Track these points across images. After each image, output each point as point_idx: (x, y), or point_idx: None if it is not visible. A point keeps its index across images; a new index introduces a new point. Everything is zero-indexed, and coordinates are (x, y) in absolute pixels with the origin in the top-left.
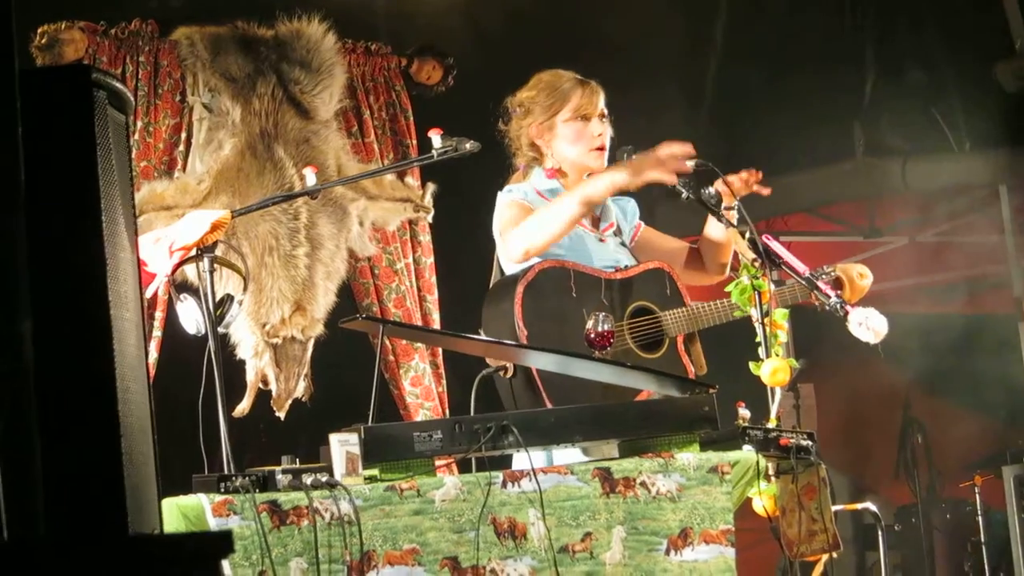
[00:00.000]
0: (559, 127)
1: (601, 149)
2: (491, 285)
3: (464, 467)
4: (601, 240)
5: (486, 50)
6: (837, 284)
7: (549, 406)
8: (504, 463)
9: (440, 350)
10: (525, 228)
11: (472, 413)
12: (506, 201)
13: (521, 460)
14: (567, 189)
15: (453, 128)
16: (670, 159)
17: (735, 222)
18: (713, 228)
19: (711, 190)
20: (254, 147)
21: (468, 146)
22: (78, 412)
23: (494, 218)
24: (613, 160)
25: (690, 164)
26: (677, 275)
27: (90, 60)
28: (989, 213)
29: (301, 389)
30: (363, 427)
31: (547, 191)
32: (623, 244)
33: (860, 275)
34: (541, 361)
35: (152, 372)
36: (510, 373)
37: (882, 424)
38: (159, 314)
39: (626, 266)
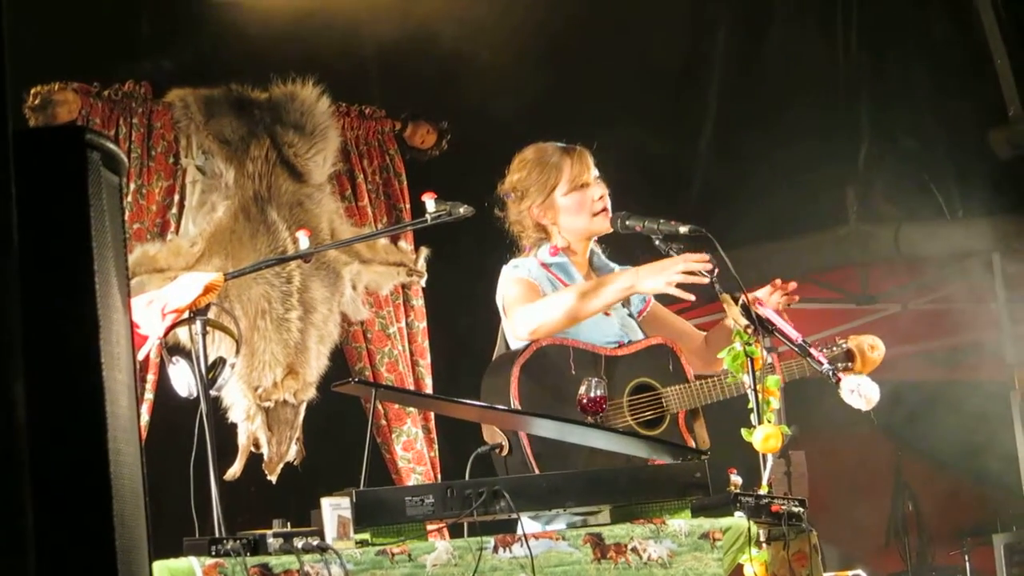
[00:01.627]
0: (559, 201)
1: (604, 211)
2: (494, 357)
3: (456, 532)
4: (606, 314)
5: (480, 115)
6: (848, 356)
7: None
8: (505, 526)
9: (432, 415)
10: (533, 312)
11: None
12: (512, 277)
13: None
14: (572, 262)
15: (447, 192)
16: (686, 273)
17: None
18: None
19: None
20: (247, 210)
21: (462, 211)
22: (70, 474)
23: (498, 291)
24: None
25: (683, 230)
26: (680, 351)
27: (83, 121)
28: (982, 280)
29: (293, 453)
30: (355, 491)
31: (553, 265)
32: (630, 315)
33: (871, 347)
34: (535, 427)
35: (144, 434)
36: (505, 451)
37: (873, 491)
38: (151, 376)
39: (630, 341)
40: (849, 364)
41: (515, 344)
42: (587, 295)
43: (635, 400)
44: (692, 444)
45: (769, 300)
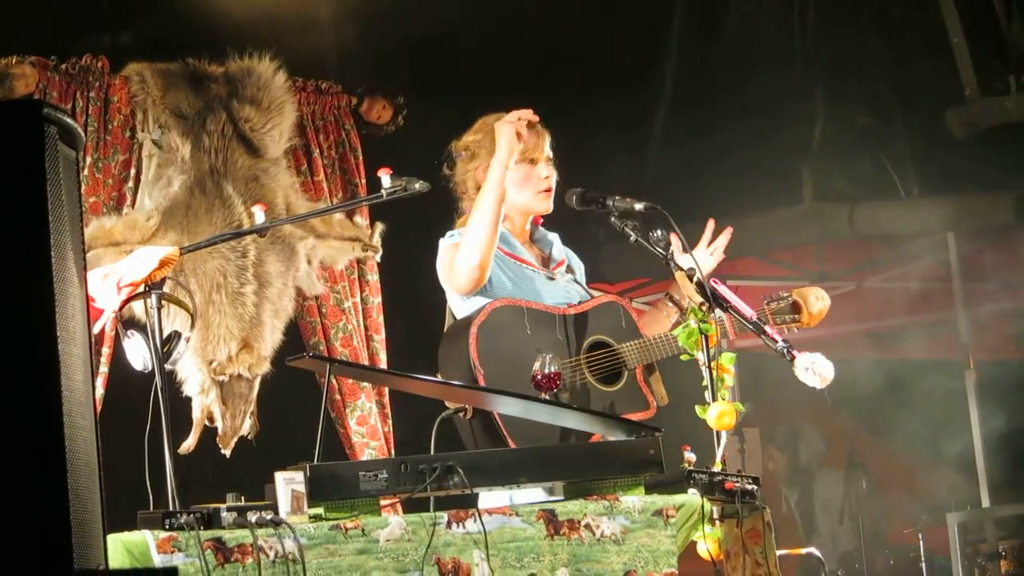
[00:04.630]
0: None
1: (548, 191)
2: (446, 328)
3: (410, 507)
4: (551, 278)
5: (436, 90)
6: (794, 308)
7: (511, 445)
8: (462, 501)
9: (386, 390)
10: (464, 248)
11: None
12: (447, 244)
13: (487, 499)
14: (510, 231)
15: (402, 168)
16: (511, 123)
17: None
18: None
19: (659, 233)
20: (203, 184)
21: (417, 186)
22: (25, 447)
23: (438, 264)
24: (561, 203)
25: (639, 207)
26: (631, 307)
27: (40, 95)
28: (937, 259)
29: (247, 427)
30: (308, 466)
31: None
32: (576, 281)
33: (817, 298)
34: (490, 402)
35: (99, 408)
36: (470, 414)
37: (827, 469)
38: (106, 350)
39: (579, 301)
40: (796, 316)
41: (462, 311)
42: (480, 199)
43: (592, 357)
44: (651, 399)
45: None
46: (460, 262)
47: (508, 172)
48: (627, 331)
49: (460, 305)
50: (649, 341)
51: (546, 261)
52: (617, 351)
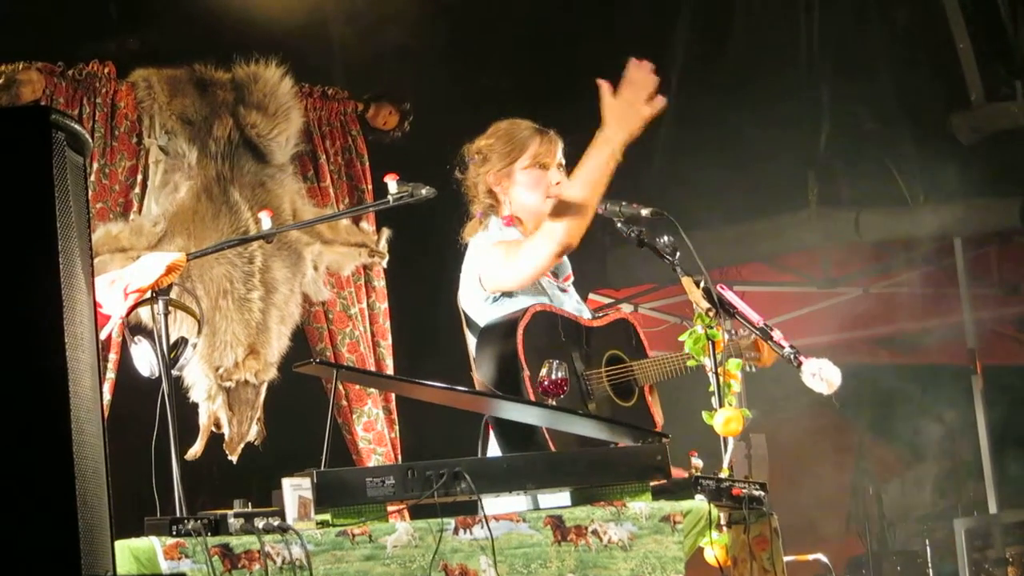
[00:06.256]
0: (517, 174)
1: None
2: (482, 328)
3: (417, 513)
4: (563, 290)
5: (443, 96)
6: (756, 346)
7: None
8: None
9: (393, 396)
10: (549, 232)
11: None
12: (493, 241)
13: (494, 504)
14: (525, 236)
15: (409, 174)
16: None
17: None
18: None
19: (666, 239)
20: (210, 190)
21: (424, 192)
22: (33, 453)
23: (475, 262)
24: None
25: (645, 212)
26: (639, 327)
27: (47, 101)
28: (943, 265)
29: (254, 433)
30: (315, 472)
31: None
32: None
33: None
34: (498, 409)
35: (105, 414)
36: None
37: (834, 475)
38: (113, 356)
39: (593, 316)
40: (757, 355)
41: (482, 314)
42: (587, 182)
43: (611, 371)
44: (658, 419)
45: None
46: (541, 253)
47: (519, 175)
48: (636, 349)
49: (483, 308)
50: (661, 359)
51: (554, 273)
52: (632, 368)
